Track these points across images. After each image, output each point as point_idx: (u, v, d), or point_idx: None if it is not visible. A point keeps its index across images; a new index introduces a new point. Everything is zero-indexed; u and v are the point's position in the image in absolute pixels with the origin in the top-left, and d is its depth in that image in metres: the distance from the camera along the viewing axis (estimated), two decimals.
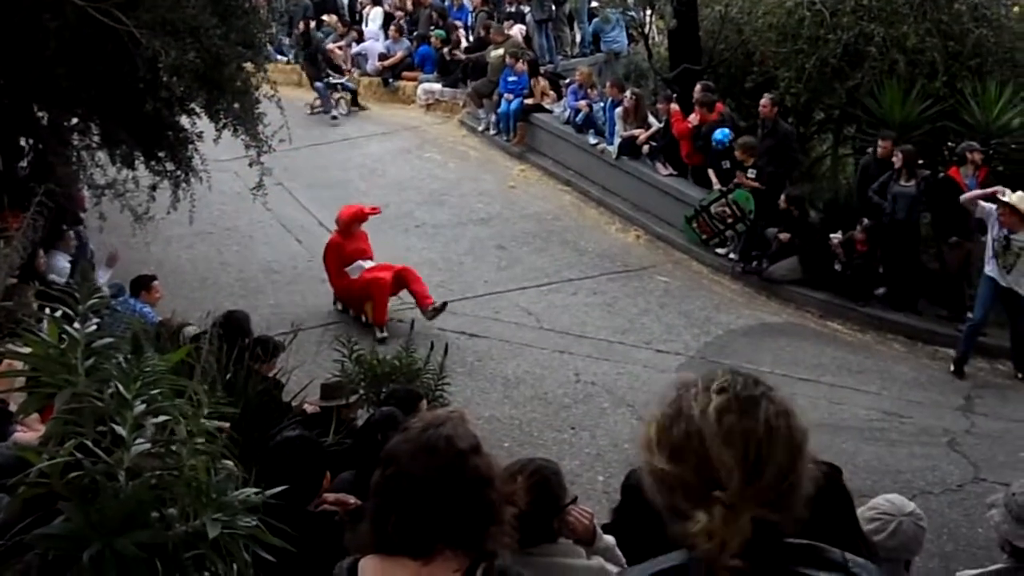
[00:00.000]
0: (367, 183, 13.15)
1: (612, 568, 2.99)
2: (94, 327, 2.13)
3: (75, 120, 8.96)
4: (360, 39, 17.33)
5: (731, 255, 10.84)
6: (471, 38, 16.36)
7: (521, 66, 13.81)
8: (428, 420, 2.09)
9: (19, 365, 2.24)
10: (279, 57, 16.56)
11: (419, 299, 9.23)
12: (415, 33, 17.07)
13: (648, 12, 13.08)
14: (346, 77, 16.28)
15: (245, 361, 5.38)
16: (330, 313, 9.74)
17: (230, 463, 2.21)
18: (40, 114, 8.97)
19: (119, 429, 1.92)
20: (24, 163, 9.30)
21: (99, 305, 2.22)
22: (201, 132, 8.87)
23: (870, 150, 10.44)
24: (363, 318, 9.44)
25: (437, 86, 16.01)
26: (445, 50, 16.10)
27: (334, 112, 15.65)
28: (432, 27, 16.59)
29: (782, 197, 10.13)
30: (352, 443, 4.71)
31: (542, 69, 14.38)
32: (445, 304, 9.24)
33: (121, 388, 1.99)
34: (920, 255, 9.89)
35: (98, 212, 8.90)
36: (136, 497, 1.86)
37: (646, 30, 13.17)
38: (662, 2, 12.15)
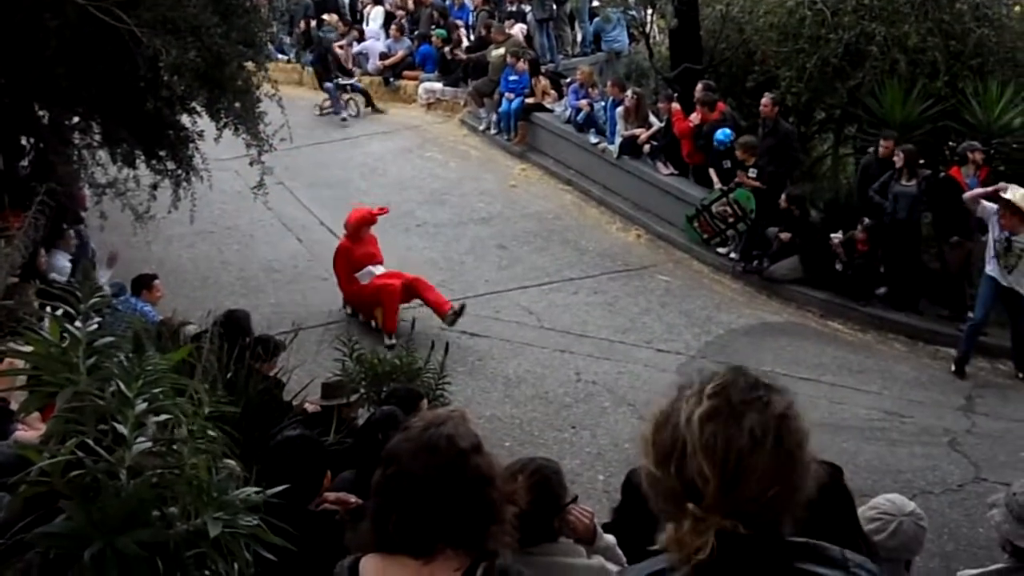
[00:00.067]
0: (368, 182, 13.15)
1: (613, 567, 2.99)
2: (95, 326, 2.12)
3: (76, 119, 8.94)
4: (361, 38, 17.33)
5: (732, 254, 10.84)
6: (472, 37, 16.35)
7: (522, 65, 13.80)
8: (429, 419, 2.09)
9: (20, 364, 2.24)
10: (280, 56, 16.56)
11: (436, 307, 9.07)
12: (416, 32, 17.07)
13: (649, 11, 13.06)
14: (355, 78, 16.25)
15: (246, 360, 5.37)
16: (331, 312, 9.73)
17: (231, 462, 2.21)
18: (41, 113, 8.96)
19: (120, 428, 1.92)
20: (25, 162, 9.30)
21: (100, 304, 2.22)
22: (202, 131, 8.86)
23: (871, 150, 10.43)
24: (373, 324, 9.41)
25: (438, 85, 16.01)
26: (446, 49, 16.09)
27: (344, 113, 15.61)
28: (433, 26, 16.57)
29: (783, 196, 10.12)
30: (353, 442, 4.71)
31: (543, 68, 14.38)
32: (464, 306, 9.14)
33: (122, 387, 1.99)
34: (921, 255, 9.89)
35: (99, 211, 8.88)
36: (137, 496, 1.86)
37: (647, 29, 13.14)
38: (663, 1, 12.16)
